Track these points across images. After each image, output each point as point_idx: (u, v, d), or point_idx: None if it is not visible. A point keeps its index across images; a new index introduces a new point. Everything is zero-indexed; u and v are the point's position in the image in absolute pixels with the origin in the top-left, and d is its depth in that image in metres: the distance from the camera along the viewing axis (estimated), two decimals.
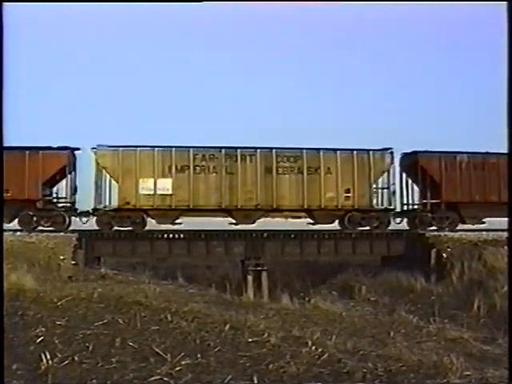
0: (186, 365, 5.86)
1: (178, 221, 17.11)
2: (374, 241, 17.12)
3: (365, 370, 5.78)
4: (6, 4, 4.29)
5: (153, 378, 5.45)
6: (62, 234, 15.71)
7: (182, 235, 16.75)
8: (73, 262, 14.61)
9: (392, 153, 17.63)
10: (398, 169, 18.36)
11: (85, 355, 6.11)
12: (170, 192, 16.70)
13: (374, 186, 17.69)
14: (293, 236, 16.98)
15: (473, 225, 17.80)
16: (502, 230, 16.22)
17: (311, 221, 17.66)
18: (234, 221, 17.25)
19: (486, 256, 14.94)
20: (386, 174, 17.73)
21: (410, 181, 18.78)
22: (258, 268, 15.82)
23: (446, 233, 16.88)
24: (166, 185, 16.73)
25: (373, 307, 12.76)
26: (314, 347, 6.61)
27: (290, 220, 18.88)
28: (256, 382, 5.45)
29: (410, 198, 18.70)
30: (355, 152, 17.37)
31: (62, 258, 14.32)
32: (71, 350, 6.28)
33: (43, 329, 7.04)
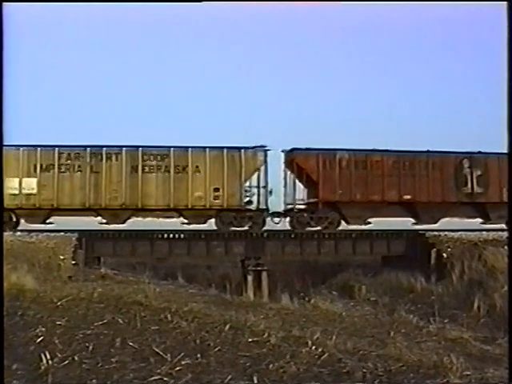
0: (186, 365, 5.85)
1: (49, 220, 16.87)
2: (375, 241, 17.12)
3: (365, 370, 5.77)
4: (5, 4, 4.29)
5: (153, 378, 5.45)
6: (62, 233, 15.72)
7: (182, 235, 16.76)
8: (73, 262, 14.61)
9: (266, 150, 17.05)
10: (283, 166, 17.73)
11: (85, 355, 6.11)
12: (34, 191, 16.48)
13: (249, 184, 17.16)
14: (293, 236, 16.98)
15: (360, 225, 17.31)
16: (502, 230, 16.24)
17: (185, 220, 17.20)
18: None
19: (486, 256, 14.95)
20: (263, 173, 17.16)
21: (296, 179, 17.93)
22: (258, 268, 15.83)
23: (446, 233, 16.88)
24: (30, 184, 16.49)
25: (373, 307, 12.76)
26: (313, 347, 6.61)
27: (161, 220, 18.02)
28: (256, 382, 5.45)
29: (292, 196, 17.72)
30: (225, 150, 16.86)
31: (62, 257, 14.32)
32: (71, 349, 6.27)
33: (43, 329, 7.03)
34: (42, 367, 5.65)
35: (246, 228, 17.12)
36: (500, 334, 9.48)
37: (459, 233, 16.82)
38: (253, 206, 17.13)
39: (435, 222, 17.78)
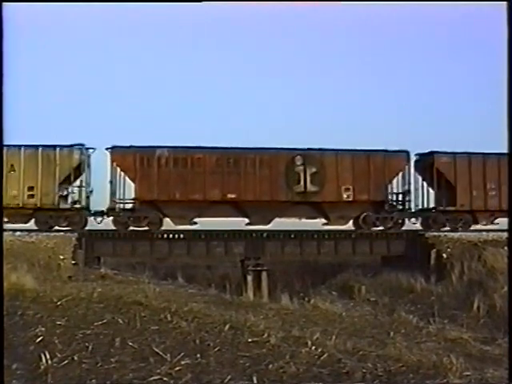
0: (186, 365, 5.85)
1: None
2: (374, 241, 17.13)
3: (364, 370, 5.77)
4: (5, 4, 4.29)
5: (152, 378, 5.45)
6: (61, 233, 15.73)
7: (181, 235, 16.76)
8: (73, 262, 14.62)
9: (85, 149, 16.62)
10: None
11: (84, 355, 6.11)
12: None
13: (75, 183, 16.89)
14: (293, 236, 16.98)
15: (185, 225, 16.75)
16: (502, 231, 16.22)
17: None
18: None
19: (485, 256, 14.95)
20: (87, 171, 16.80)
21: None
22: (258, 268, 15.82)
23: (446, 233, 16.89)
24: None
25: (372, 307, 12.77)
26: (313, 347, 6.61)
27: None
28: (256, 382, 5.45)
29: (117, 195, 16.79)
30: (40, 149, 16.37)
31: (61, 257, 14.33)
32: (71, 349, 6.27)
33: (43, 329, 7.03)
34: (42, 367, 5.65)
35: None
36: (500, 335, 9.49)
37: (459, 233, 16.83)
38: (68, 205, 16.75)
39: (268, 223, 17.01)
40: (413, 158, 17.91)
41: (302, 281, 15.90)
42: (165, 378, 5.45)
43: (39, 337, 6.69)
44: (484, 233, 16.74)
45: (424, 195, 18.00)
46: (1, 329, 4.74)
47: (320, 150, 17.17)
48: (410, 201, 17.66)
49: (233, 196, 16.68)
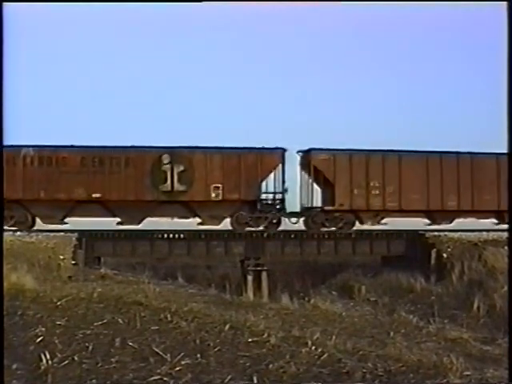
0: (186, 365, 5.85)
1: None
2: (374, 241, 17.12)
3: (364, 370, 5.78)
4: (5, 4, 4.29)
5: (152, 378, 5.45)
6: (61, 233, 15.72)
7: (181, 235, 16.76)
8: (73, 262, 14.59)
9: None
10: None
11: (84, 355, 6.11)
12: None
13: None
14: (293, 236, 16.98)
15: (55, 224, 16.35)
16: (502, 230, 16.22)
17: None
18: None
19: (485, 256, 14.95)
20: None
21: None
22: (258, 268, 15.82)
23: (446, 233, 16.88)
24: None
25: (372, 307, 12.77)
26: (313, 347, 6.61)
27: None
28: (256, 381, 5.45)
29: None
30: None
31: (61, 257, 14.31)
32: (71, 349, 6.27)
33: (43, 329, 7.03)
34: (42, 367, 5.65)
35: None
36: (500, 335, 9.49)
37: (459, 233, 16.83)
38: None
39: (138, 223, 16.62)
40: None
41: (302, 281, 15.91)
42: (165, 378, 5.46)
43: (39, 337, 6.70)
44: (484, 233, 16.73)
45: (309, 194, 17.41)
46: (1, 329, 4.74)
47: (188, 147, 16.78)
48: (283, 200, 17.16)
49: (98, 195, 16.34)
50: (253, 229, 16.89)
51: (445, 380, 5.60)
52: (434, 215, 17.66)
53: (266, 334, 7.15)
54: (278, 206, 17.16)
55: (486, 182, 17.33)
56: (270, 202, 17.17)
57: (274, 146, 17.07)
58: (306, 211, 17.34)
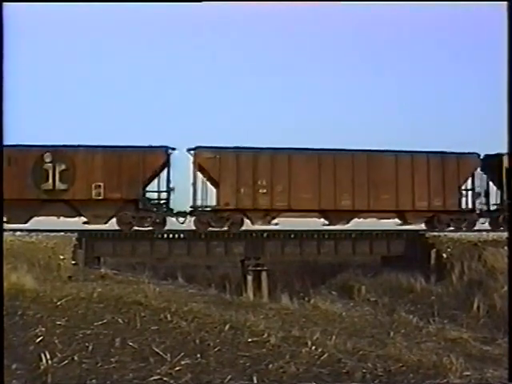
0: (186, 365, 5.85)
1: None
2: (374, 241, 17.12)
3: (364, 370, 5.78)
4: (5, 4, 4.29)
5: (152, 378, 5.45)
6: (61, 233, 15.72)
7: (181, 235, 16.76)
8: (73, 262, 14.60)
9: None
10: None
11: (84, 355, 6.11)
12: None
13: None
14: (293, 236, 16.98)
15: None
16: (502, 231, 16.23)
17: None
18: None
19: (485, 256, 14.95)
20: None
21: None
22: (258, 268, 15.82)
23: (446, 233, 16.89)
24: None
25: (372, 307, 12.76)
26: (313, 347, 6.61)
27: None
28: (256, 381, 5.45)
29: None
30: None
31: (61, 257, 14.32)
32: (71, 349, 6.27)
33: (43, 329, 7.03)
34: (42, 367, 5.65)
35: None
36: (500, 335, 9.48)
37: (459, 233, 16.83)
38: None
39: (25, 222, 16.38)
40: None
41: (302, 281, 15.88)
42: (165, 378, 5.45)
43: (39, 337, 6.70)
44: (484, 233, 16.74)
45: (197, 193, 17.14)
46: (1, 329, 4.74)
47: (71, 146, 16.68)
48: (168, 199, 17.12)
49: None
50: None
51: (445, 380, 5.60)
52: (328, 215, 17.34)
53: (265, 334, 7.14)
54: (163, 206, 17.08)
55: (384, 180, 17.05)
56: (155, 202, 17.13)
57: (158, 145, 16.89)
58: (194, 211, 17.09)
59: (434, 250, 16.07)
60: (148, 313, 8.21)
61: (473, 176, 17.97)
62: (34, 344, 6.45)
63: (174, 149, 17.09)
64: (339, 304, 12.33)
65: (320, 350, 6.50)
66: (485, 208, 18.32)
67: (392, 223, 18.04)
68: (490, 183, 18.40)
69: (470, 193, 18.09)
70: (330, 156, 17.13)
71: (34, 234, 15.41)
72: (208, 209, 17.09)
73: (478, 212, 18.07)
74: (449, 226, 17.58)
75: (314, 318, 10.04)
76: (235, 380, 5.49)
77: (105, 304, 8.70)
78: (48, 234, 15.55)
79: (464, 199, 17.93)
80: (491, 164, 17.99)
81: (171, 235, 16.76)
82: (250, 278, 15.56)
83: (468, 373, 5.90)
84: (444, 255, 15.74)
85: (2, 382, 4.72)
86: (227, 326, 7.57)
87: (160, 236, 16.68)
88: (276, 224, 17.15)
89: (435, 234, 16.79)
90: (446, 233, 16.94)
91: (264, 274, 15.68)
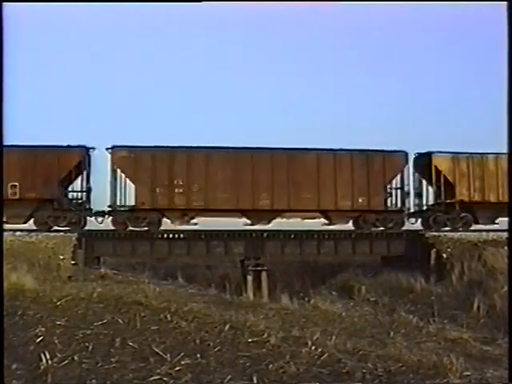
0: (186, 365, 5.85)
1: None
2: (374, 241, 17.11)
3: (364, 370, 5.77)
4: (5, 4, 4.29)
5: (152, 378, 5.44)
6: (61, 233, 15.72)
7: (181, 235, 16.75)
8: (72, 262, 14.61)
9: None
10: None
11: (84, 355, 6.11)
12: None
13: None
14: (293, 236, 16.96)
15: None
16: (502, 231, 16.21)
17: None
18: None
19: (485, 256, 14.95)
20: None
21: None
22: (258, 268, 15.81)
23: (446, 233, 16.88)
24: None
25: (372, 307, 12.76)
26: (313, 347, 6.61)
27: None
28: (256, 382, 5.45)
29: None
30: None
31: (61, 257, 14.32)
32: (71, 349, 6.27)
33: (43, 329, 7.03)
34: (42, 367, 5.65)
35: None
36: (500, 335, 9.48)
37: (459, 233, 16.82)
38: None
39: None
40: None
41: (302, 281, 15.88)
42: (165, 378, 5.45)
43: (39, 337, 6.69)
44: (484, 233, 16.71)
45: (114, 193, 16.89)
46: (1, 329, 4.74)
47: None
48: (88, 199, 17.02)
49: None
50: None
51: (445, 380, 5.60)
52: (247, 215, 17.18)
53: (265, 334, 7.14)
54: (81, 206, 16.97)
55: (305, 180, 16.82)
56: (74, 202, 17.05)
57: (76, 144, 16.78)
58: (112, 211, 16.93)
59: (434, 250, 16.06)
60: (148, 313, 8.21)
61: (402, 175, 17.69)
62: (34, 344, 6.45)
63: (93, 148, 17.05)
64: (339, 304, 12.33)
65: (320, 350, 6.50)
66: (417, 208, 18.20)
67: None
68: (425, 183, 18.30)
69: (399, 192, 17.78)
70: (247, 155, 16.91)
71: (33, 233, 15.42)
72: (124, 208, 16.90)
73: (409, 212, 17.90)
74: (375, 226, 17.35)
75: (314, 318, 10.04)
76: (235, 380, 5.49)
77: (105, 304, 8.70)
78: (48, 233, 15.56)
79: (391, 199, 17.63)
80: (422, 163, 17.93)
81: (171, 235, 16.75)
82: (250, 278, 15.55)
83: (468, 373, 5.90)
84: (444, 255, 15.74)
85: (2, 382, 4.71)
86: (227, 326, 7.57)
87: (160, 236, 16.67)
88: (195, 224, 16.96)
89: (435, 234, 16.78)
90: (445, 233, 16.94)
91: (264, 274, 15.68)
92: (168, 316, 7.98)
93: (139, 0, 8.17)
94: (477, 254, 15.23)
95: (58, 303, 8.55)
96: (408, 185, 17.79)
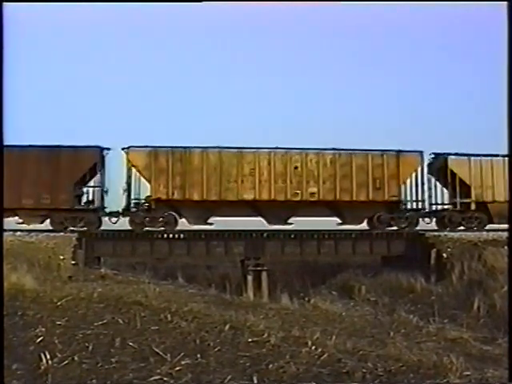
0: (186, 365, 5.85)
1: None
2: (374, 241, 17.12)
3: (364, 370, 5.77)
4: (5, 4, 4.29)
5: (152, 378, 5.44)
6: (61, 233, 15.73)
7: (182, 235, 16.77)
8: (73, 262, 14.62)
9: None
10: None
11: (84, 355, 6.10)
12: None
13: None
14: (293, 236, 16.98)
15: None
16: (502, 230, 16.23)
17: None
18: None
19: (485, 256, 14.96)
20: None
21: None
22: (258, 268, 15.83)
23: (446, 233, 16.90)
24: None
25: (372, 307, 12.78)
26: (313, 347, 6.60)
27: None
28: (256, 382, 5.45)
29: None
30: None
31: (61, 257, 14.33)
32: (71, 350, 6.27)
33: (43, 329, 7.03)
34: (42, 367, 5.65)
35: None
36: (500, 335, 9.49)
37: (459, 233, 16.83)
38: None
39: None
40: None
41: (302, 281, 15.90)
42: (165, 378, 5.45)
43: (39, 337, 6.69)
44: (484, 232, 16.73)
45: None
46: (1, 329, 4.74)
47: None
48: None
49: None
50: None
51: (445, 380, 5.60)
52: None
53: (266, 334, 7.14)
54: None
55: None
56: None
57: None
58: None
59: (434, 249, 16.08)
60: (148, 313, 8.21)
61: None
62: (34, 344, 6.44)
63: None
64: (339, 304, 12.35)
65: (320, 349, 6.49)
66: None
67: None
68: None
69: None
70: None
71: (33, 233, 15.42)
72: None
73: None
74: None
75: (314, 317, 10.04)
76: (235, 380, 5.48)
77: (105, 304, 8.70)
78: (48, 234, 15.57)
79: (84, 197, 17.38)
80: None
81: (171, 235, 16.77)
82: (250, 277, 15.58)
83: (468, 373, 5.89)
84: (444, 255, 15.75)
85: (2, 381, 4.72)
86: (227, 326, 7.56)
87: (160, 236, 16.69)
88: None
89: (435, 233, 16.79)
90: (445, 232, 16.95)
91: (264, 274, 15.70)
92: (168, 316, 7.98)
93: (139, 0, 8.18)
94: (477, 254, 15.23)
95: (59, 303, 8.54)
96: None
